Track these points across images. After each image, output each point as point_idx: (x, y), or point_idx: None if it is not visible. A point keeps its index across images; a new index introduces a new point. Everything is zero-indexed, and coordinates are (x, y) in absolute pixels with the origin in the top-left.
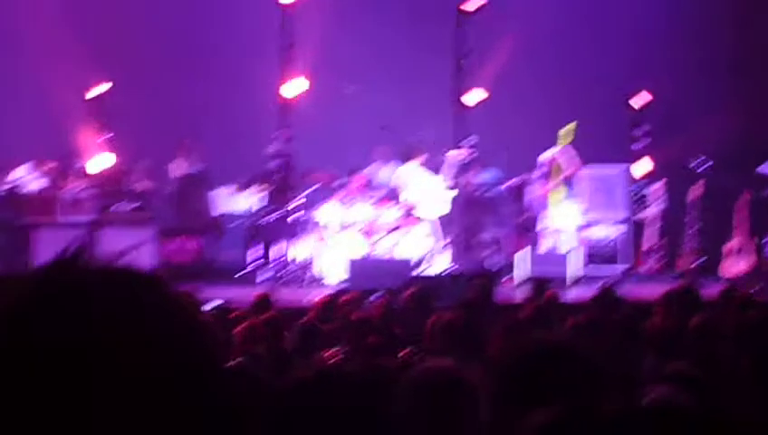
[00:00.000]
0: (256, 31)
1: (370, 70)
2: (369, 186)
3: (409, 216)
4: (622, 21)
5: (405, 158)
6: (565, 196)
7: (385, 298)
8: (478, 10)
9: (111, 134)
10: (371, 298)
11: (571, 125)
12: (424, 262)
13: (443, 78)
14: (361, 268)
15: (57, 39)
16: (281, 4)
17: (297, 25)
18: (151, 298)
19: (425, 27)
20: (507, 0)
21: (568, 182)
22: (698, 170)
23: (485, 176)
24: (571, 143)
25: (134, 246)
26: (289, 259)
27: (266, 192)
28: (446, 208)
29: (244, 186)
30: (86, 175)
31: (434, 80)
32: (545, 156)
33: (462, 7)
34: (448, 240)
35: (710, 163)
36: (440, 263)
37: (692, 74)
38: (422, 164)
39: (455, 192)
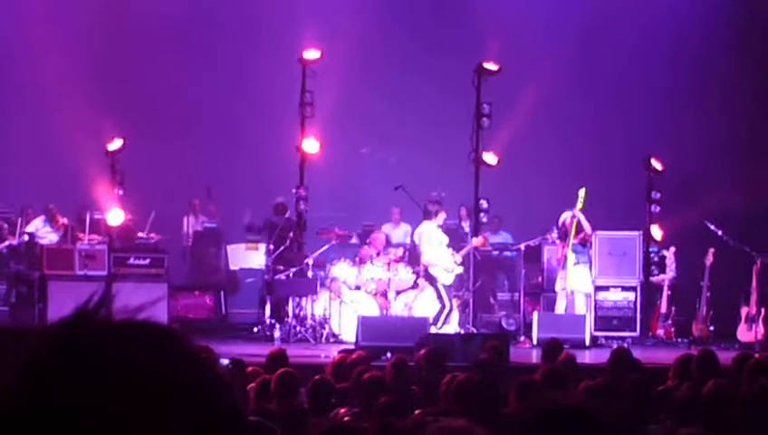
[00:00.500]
0: (276, 86)
1: (391, 128)
2: (387, 245)
3: (425, 275)
4: (645, 87)
5: (426, 216)
6: (579, 258)
7: (397, 357)
8: (500, 70)
9: (122, 191)
10: (386, 356)
11: (582, 191)
12: (438, 321)
13: (463, 136)
14: (373, 326)
15: (75, 93)
16: (303, 60)
17: (318, 82)
18: (170, 353)
19: (447, 85)
20: (528, 60)
21: (584, 243)
22: (714, 236)
23: (502, 236)
24: (581, 210)
25: (150, 302)
26: (304, 316)
27: (282, 248)
28: (457, 270)
29: (260, 242)
30: (100, 228)
31: (454, 138)
32: (565, 216)
33: (484, 65)
34: (463, 300)
35: (723, 230)
36: (454, 323)
37: (710, 142)
38: (440, 225)
39: (459, 263)
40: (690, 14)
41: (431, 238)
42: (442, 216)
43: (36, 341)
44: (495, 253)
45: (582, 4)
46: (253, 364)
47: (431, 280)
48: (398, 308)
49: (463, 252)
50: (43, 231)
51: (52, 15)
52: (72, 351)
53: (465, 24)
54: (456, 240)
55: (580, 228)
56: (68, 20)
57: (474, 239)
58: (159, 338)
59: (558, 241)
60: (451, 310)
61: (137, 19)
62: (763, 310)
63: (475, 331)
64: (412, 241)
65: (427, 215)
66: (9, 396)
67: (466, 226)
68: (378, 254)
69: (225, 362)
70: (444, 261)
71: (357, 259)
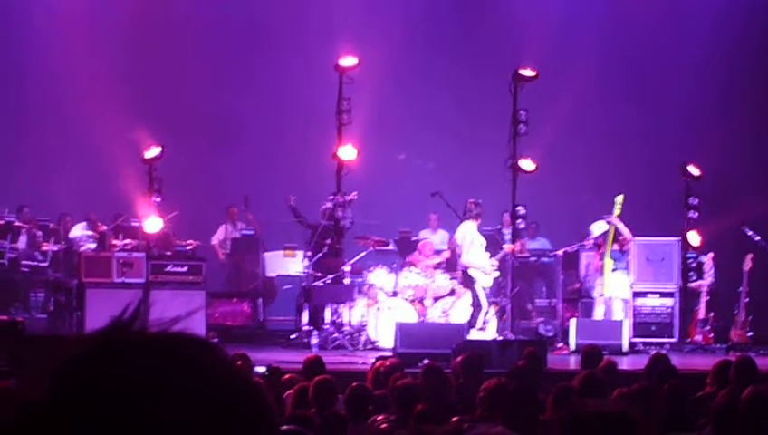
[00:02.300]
0: (313, 94)
1: (425, 134)
2: (433, 252)
3: (463, 277)
4: (677, 93)
5: (469, 216)
6: (618, 264)
7: (429, 364)
8: (537, 75)
9: (159, 198)
10: (423, 363)
11: (619, 198)
12: (476, 323)
13: (499, 143)
14: (410, 333)
15: (112, 102)
16: (340, 67)
17: (354, 90)
18: (204, 365)
19: (481, 93)
20: (562, 67)
21: (622, 250)
22: (752, 241)
23: (540, 242)
24: (619, 216)
25: (188, 313)
26: (342, 323)
27: (319, 255)
28: (494, 273)
29: (297, 249)
30: (137, 236)
31: (490, 145)
32: (596, 226)
33: (520, 72)
34: (501, 306)
35: (761, 235)
36: (492, 329)
37: (745, 147)
38: (478, 228)
39: (496, 267)
40: (724, 15)
41: (473, 240)
42: (479, 217)
43: (69, 352)
44: (533, 259)
45: (610, 9)
46: (290, 371)
47: (470, 282)
48: (435, 315)
49: (499, 256)
50: (84, 237)
51: (90, 26)
52: (104, 363)
53: (494, 33)
54: (494, 247)
55: (618, 234)
56: (106, 30)
57: (505, 246)
58: (193, 350)
59: (596, 247)
60: (488, 311)
61: (174, 29)
62: None
63: (512, 337)
64: (453, 242)
65: (470, 215)
66: (40, 406)
67: (508, 233)
68: (424, 262)
69: (262, 369)
70: (483, 263)
71: (407, 265)
